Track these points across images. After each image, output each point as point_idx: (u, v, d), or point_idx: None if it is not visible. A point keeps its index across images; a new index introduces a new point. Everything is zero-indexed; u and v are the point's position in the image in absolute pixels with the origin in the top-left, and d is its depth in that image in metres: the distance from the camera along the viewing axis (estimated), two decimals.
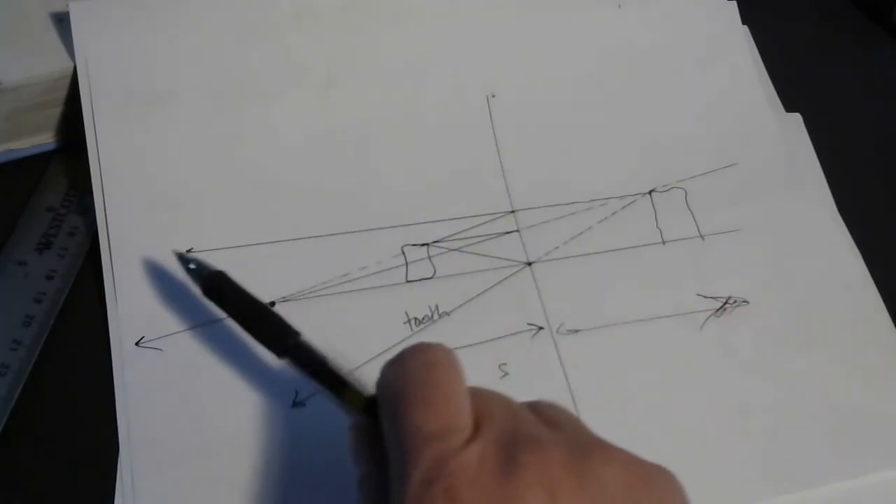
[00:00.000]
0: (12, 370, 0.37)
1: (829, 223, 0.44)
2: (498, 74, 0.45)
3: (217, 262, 0.38)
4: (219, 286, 0.33)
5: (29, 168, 0.43)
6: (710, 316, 0.41)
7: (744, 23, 0.50)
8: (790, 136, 0.46)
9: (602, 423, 0.36)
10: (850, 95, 0.51)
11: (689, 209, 0.43)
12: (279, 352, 0.31)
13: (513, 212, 0.42)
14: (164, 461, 0.35)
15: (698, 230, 0.43)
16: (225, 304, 0.33)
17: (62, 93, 0.43)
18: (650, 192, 0.44)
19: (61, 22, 0.43)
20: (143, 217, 0.40)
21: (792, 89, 0.49)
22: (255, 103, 0.43)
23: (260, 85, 0.43)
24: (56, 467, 0.36)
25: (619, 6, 0.48)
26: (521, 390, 0.37)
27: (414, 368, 0.27)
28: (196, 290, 0.36)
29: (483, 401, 0.27)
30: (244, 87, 0.43)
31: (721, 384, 0.39)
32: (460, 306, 0.40)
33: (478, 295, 0.40)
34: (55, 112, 0.44)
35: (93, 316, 0.39)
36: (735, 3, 0.50)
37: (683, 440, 0.37)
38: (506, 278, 0.41)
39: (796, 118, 0.47)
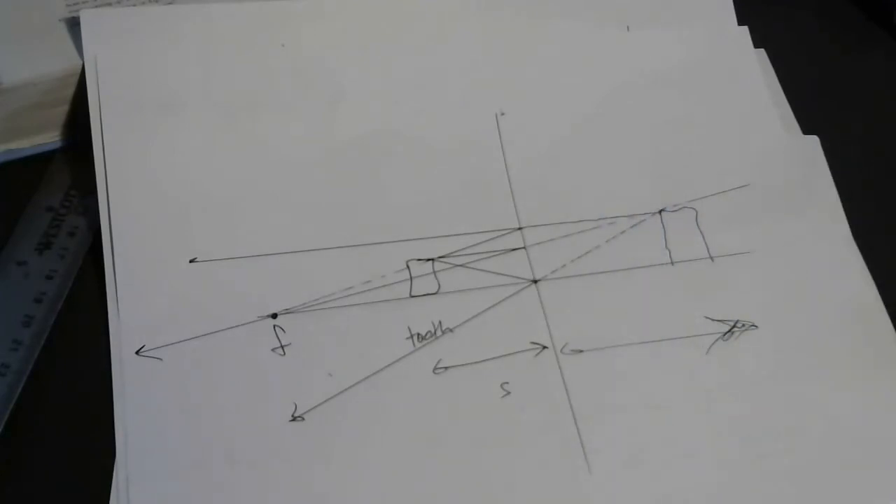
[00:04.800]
0: (12, 370, 0.39)
1: (841, 247, 0.46)
2: (507, 92, 0.47)
3: (221, 272, 0.41)
4: None
5: (29, 168, 0.45)
6: (717, 339, 0.42)
7: (742, 23, 0.52)
8: (806, 157, 0.48)
9: (604, 446, 0.40)
10: (850, 98, 0.54)
11: (700, 230, 0.45)
12: None
13: (520, 229, 0.44)
14: (160, 473, 0.37)
15: (708, 251, 0.45)
16: None
17: (63, 93, 0.46)
18: (660, 212, 0.45)
19: (62, 24, 0.46)
20: (147, 223, 0.42)
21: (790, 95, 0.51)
22: (263, 114, 0.45)
23: (268, 96, 0.45)
24: (56, 467, 0.37)
25: (628, 28, 0.51)
26: (522, 411, 0.40)
27: None
28: (197, 298, 0.39)
29: None
30: (252, 97, 0.45)
31: (727, 409, 0.41)
32: (464, 323, 0.41)
33: (482, 312, 0.42)
34: (56, 112, 0.46)
35: (93, 316, 0.40)
36: (746, 28, 0.52)
37: (688, 465, 0.39)
38: (511, 296, 0.42)
39: (813, 140, 0.49)
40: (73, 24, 0.45)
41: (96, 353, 0.39)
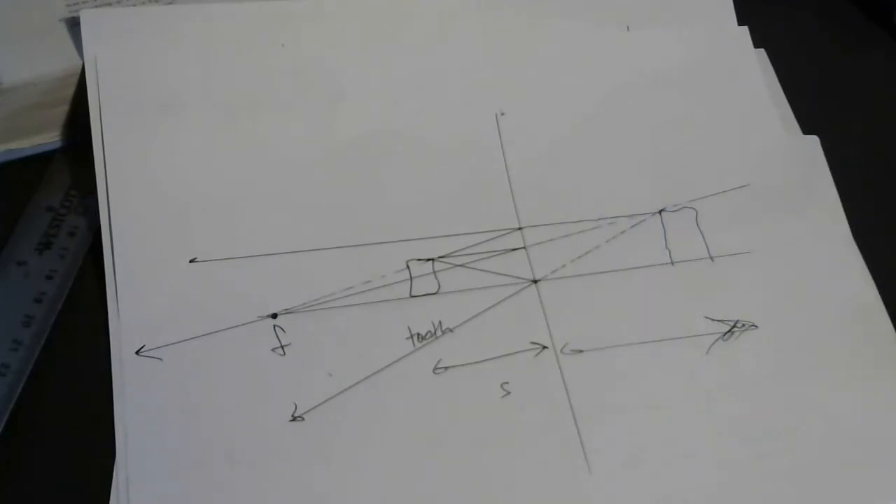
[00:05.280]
0: (12, 370, 0.39)
1: (841, 247, 0.46)
2: (507, 92, 0.48)
3: (221, 272, 0.41)
4: None
5: (29, 168, 0.45)
6: (717, 339, 0.42)
7: (742, 23, 0.52)
8: (806, 157, 0.49)
9: (604, 446, 0.40)
10: (850, 98, 0.54)
11: (700, 230, 0.45)
12: None
13: (520, 229, 0.44)
14: (160, 473, 0.37)
15: (708, 251, 0.45)
16: None
17: (63, 93, 0.46)
18: (660, 212, 0.46)
19: (62, 24, 0.46)
20: (147, 223, 0.42)
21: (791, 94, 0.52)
22: (263, 114, 0.45)
23: (268, 96, 0.45)
24: (56, 467, 0.38)
25: (628, 28, 0.51)
26: (522, 410, 0.40)
27: None
28: (197, 298, 0.39)
29: None
30: (252, 97, 0.45)
31: (727, 409, 0.41)
32: (464, 323, 0.42)
33: (482, 312, 0.42)
34: (56, 112, 0.46)
35: (93, 316, 0.41)
36: (746, 28, 0.52)
37: (688, 465, 0.39)
38: (511, 296, 0.42)
39: (813, 140, 0.49)
40: (73, 24, 0.45)
41: (96, 353, 0.40)
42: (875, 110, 0.53)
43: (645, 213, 0.46)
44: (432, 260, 0.43)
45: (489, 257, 0.44)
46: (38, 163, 0.46)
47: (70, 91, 0.46)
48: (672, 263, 0.45)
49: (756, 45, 0.52)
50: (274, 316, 0.41)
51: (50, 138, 0.46)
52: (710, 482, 0.39)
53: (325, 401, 0.39)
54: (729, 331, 0.43)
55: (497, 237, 0.44)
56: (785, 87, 0.52)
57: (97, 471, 0.37)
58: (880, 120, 0.53)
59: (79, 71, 0.45)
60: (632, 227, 0.45)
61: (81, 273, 0.43)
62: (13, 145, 0.45)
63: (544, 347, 0.42)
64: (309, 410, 0.39)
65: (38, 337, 0.40)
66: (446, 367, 0.41)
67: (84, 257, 0.43)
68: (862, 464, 0.40)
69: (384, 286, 0.42)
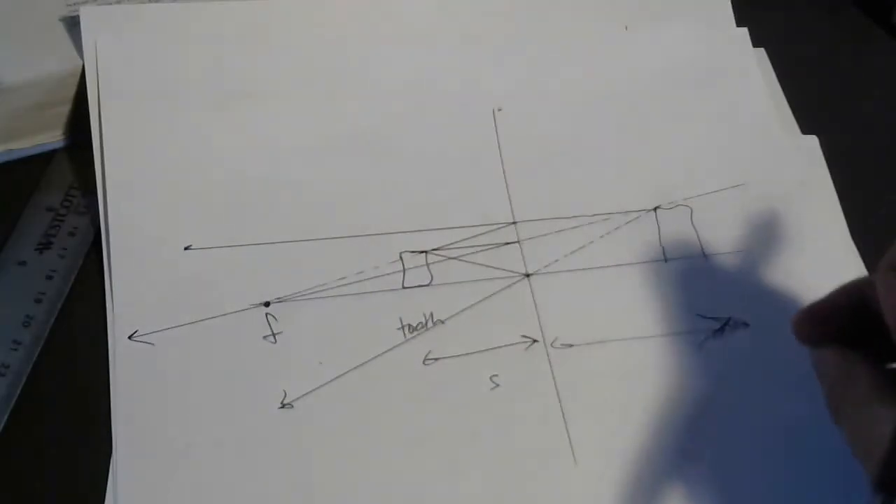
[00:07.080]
0: (12, 370, 0.39)
1: (840, 247, 0.46)
2: (505, 89, 0.48)
3: (215, 260, 0.42)
4: None
5: (29, 168, 0.46)
6: (708, 336, 0.43)
7: (742, 23, 0.53)
8: (805, 157, 0.49)
9: (592, 440, 0.40)
10: (850, 98, 0.54)
11: (694, 227, 0.46)
12: None
13: (514, 223, 0.45)
14: (149, 459, 0.38)
15: (702, 249, 0.45)
16: None
17: (63, 93, 0.46)
18: (655, 209, 0.46)
19: (62, 24, 0.46)
20: (143, 215, 0.42)
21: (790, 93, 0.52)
22: (260, 107, 0.46)
23: (265, 90, 0.46)
24: (56, 467, 0.38)
25: (627, 28, 0.52)
26: (510, 403, 0.40)
27: None
28: (191, 285, 0.40)
29: None
30: (251, 94, 0.46)
31: (718, 407, 0.41)
32: (455, 315, 0.42)
33: (473, 304, 0.42)
34: (56, 112, 0.46)
35: (93, 316, 0.41)
36: (746, 28, 0.53)
37: (677, 461, 0.40)
38: (503, 289, 0.43)
39: (813, 140, 0.50)
40: (73, 24, 0.46)
41: (96, 353, 0.40)
42: (875, 110, 0.54)
43: (640, 210, 0.46)
44: (426, 252, 0.43)
45: (483, 250, 0.44)
46: (38, 163, 0.46)
47: (70, 91, 0.46)
48: (665, 260, 0.45)
49: (756, 45, 0.53)
50: (266, 304, 0.41)
51: (50, 138, 0.46)
52: (703, 480, 0.39)
53: (315, 389, 0.40)
54: (721, 328, 0.43)
55: (491, 231, 0.45)
56: (785, 87, 0.52)
57: (97, 471, 0.38)
58: (880, 120, 0.53)
59: (79, 71, 0.46)
60: (626, 223, 0.46)
61: (81, 273, 0.43)
62: (13, 145, 0.46)
63: (535, 341, 0.42)
64: (299, 398, 0.40)
65: (38, 337, 0.41)
66: (436, 359, 0.41)
67: (84, 257, 0.44)
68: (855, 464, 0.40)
69: (377, 277, 0.43)
